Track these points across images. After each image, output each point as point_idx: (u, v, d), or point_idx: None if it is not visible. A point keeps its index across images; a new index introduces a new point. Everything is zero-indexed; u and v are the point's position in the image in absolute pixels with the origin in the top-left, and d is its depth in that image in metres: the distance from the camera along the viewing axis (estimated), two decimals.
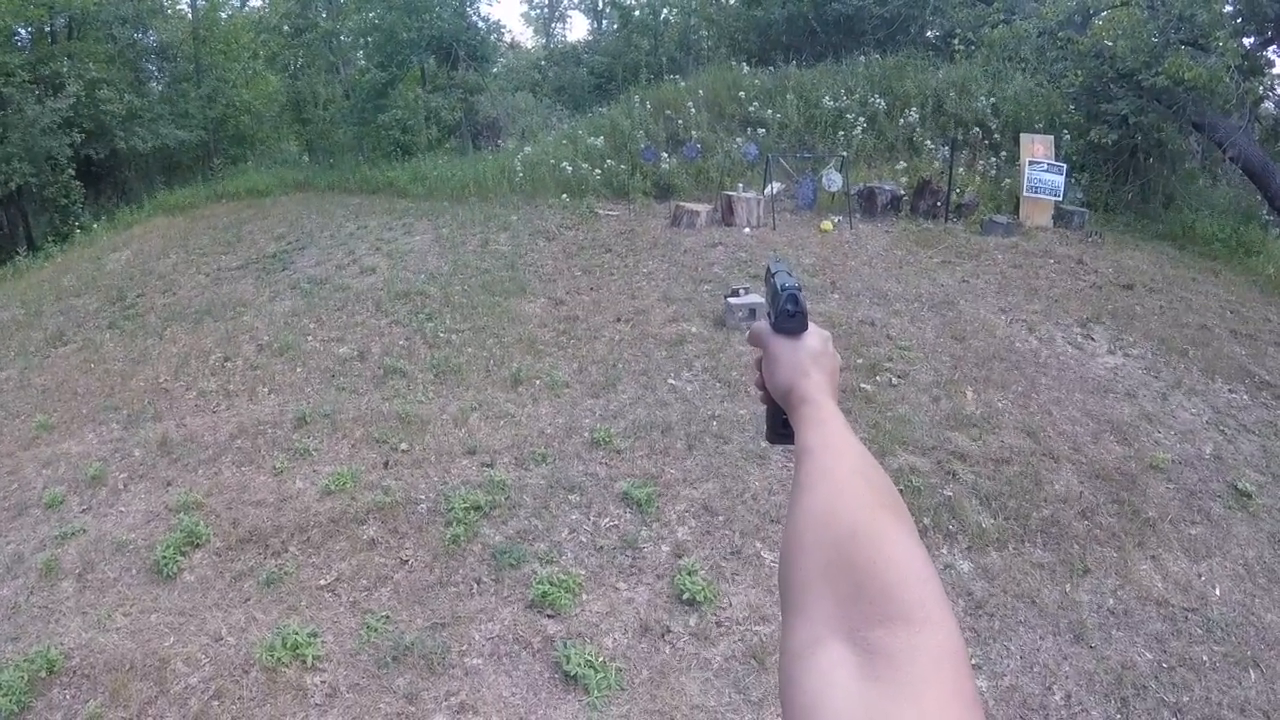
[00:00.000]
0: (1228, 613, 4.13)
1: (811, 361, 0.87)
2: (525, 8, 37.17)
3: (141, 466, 5.44)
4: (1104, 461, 5.25)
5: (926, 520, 4.46)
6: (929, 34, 19.06)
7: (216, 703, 3.31)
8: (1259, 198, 13.03)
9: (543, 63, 27.08)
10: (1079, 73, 12.49)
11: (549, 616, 3.73)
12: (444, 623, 3.65)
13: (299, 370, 6.66)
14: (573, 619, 3.75)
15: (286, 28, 22.38)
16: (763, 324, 0.93)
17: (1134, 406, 6.11)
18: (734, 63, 16.98)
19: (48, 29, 18.14)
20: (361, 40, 21.22)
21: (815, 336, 0.90)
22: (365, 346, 7.01)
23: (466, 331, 7.16)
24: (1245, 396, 6.63)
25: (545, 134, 16.07)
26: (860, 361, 6.24)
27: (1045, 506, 4.70)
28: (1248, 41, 13.33)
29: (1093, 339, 7.38)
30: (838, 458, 0.71)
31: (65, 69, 16.38)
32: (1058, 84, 13.42)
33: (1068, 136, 12.62)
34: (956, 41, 16.56)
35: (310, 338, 7.41)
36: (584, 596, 3.86)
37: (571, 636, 3.65)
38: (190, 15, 21.49)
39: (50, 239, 15.33)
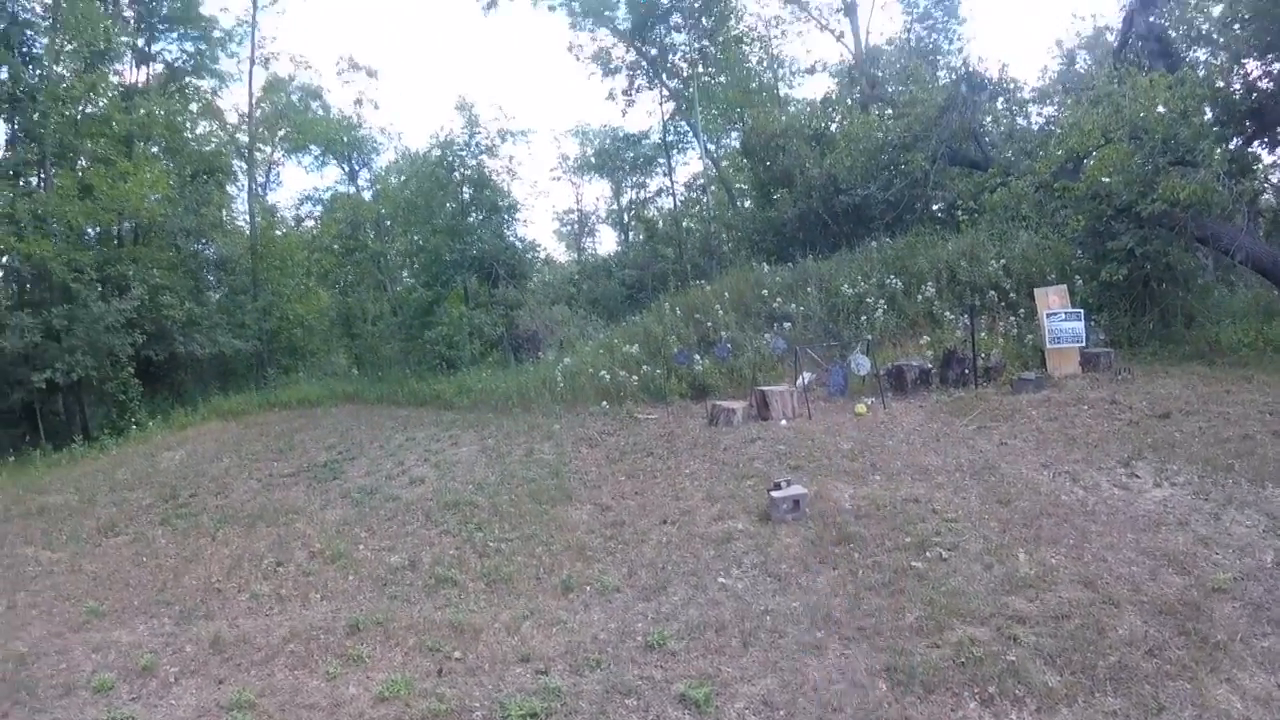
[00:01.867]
0: None
1: None
2: (557, 225, 39.84)
3: (193, 662, 5.48)
4: (1165, 596, 5.11)
5: (991, 689, 4.30)
6: (934, 207, 20.03)
7: None
8: (1276, 292, 13.05)
9: (576, 276, 28.71)
10: (1080, 217, 12.95)
11: None
12: None
13: (351, 578, 6.76)
14: None
15: (337, 247, 24.14)
16: None
17: (1187, 534, 6.01)
18: (754, 263, 18.02)
19: (115, 231, 19.66)
20: (408, 260, 22.77)
21: None
22: (416, 555, 7.13)
23: (515, 540, 7.28)
24: None
25: (583, 344, 16.84)
26: (908, 540, 6.21)
27: (1111, 653, 4.54)
28: (1232, 145, 13.87)
29: (1137, 476, 7.32)
30: None
31: (131, 272, 17.75)
32: (1062, 232, 13.91)
33: (1080, 281, 12.97)
34: (959, 212, 17.52)
35: (362, 546, 7.56)
36: None
37: None
38: (248, 231, 23.33)
39: (106, 431, 15.97)
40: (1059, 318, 11.61)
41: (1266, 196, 16.46)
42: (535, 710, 4.33)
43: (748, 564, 6.24)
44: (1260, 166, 15.81)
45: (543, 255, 26.94)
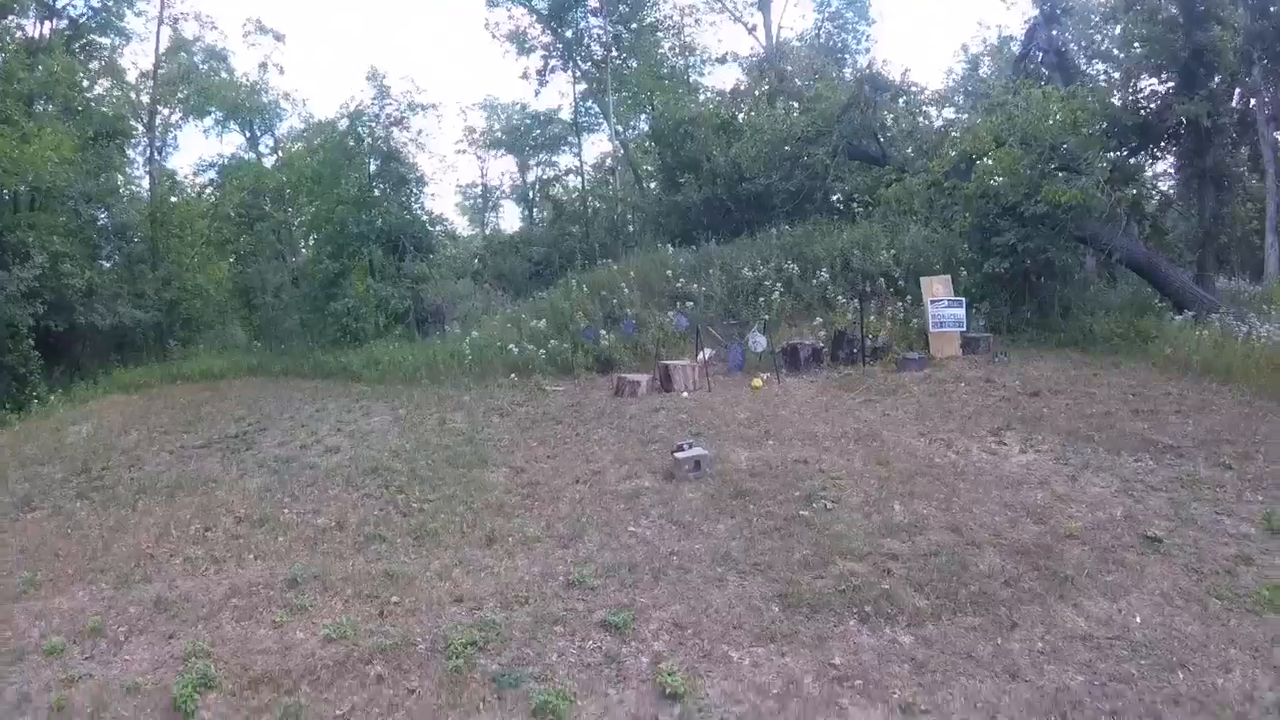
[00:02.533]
0: (1150, 633, 4.83)
1: None
2: (460, 198, 39.62)
3: (139, 621, 5.71)
4: (1022, 540, 6.05)
5: (868, 609, 5.17)
6: (834, 198, 21.19)
7: None
8: (1151, 289, 14.60)
9: (482, 251, 28.82)
10: (968, 214, 14.24)
11: None
12: None
13: (280, 539, 7.10)
14: None
15: (234, 214, 23.55)
16: None
17: (1046, 491, 7.01)
18: (660, 244, 18.82)
19: (8, 196, 18.68)
20: (312, 231, 22.49)
21: None
22: (342, 517, 7.51)
23: (437, 500, 7.75)
24: (1150, 462, 7.63)
25: (490, 318, 17.19)
26: (797, 494, 7.07)
27: (972, 583, 5.45)
28: (1116, 156, 15.40)
29: (1005, 444, 8.38)
30: None
31: (30, 239, 17.00)
32: (950, 227, 15.23)
33: (965, 273, 14.24)
34: (855, 204, 18.70)
35: (286, 511, 7.86)
36: (579, 703, 4.38)
37: None
38: (148, 197, 22.52)
39: (7, 406, 15.34)
40: (943, 304, 12.74)
41: (1152, 202, 18.15)
42: (474, 639, 4.93)
43: (655, 515, 6.95)
44: (1142, 177, 17.47)
45: (449, 229, 26.95)
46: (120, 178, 22.91)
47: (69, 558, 7.13)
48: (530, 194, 35.46)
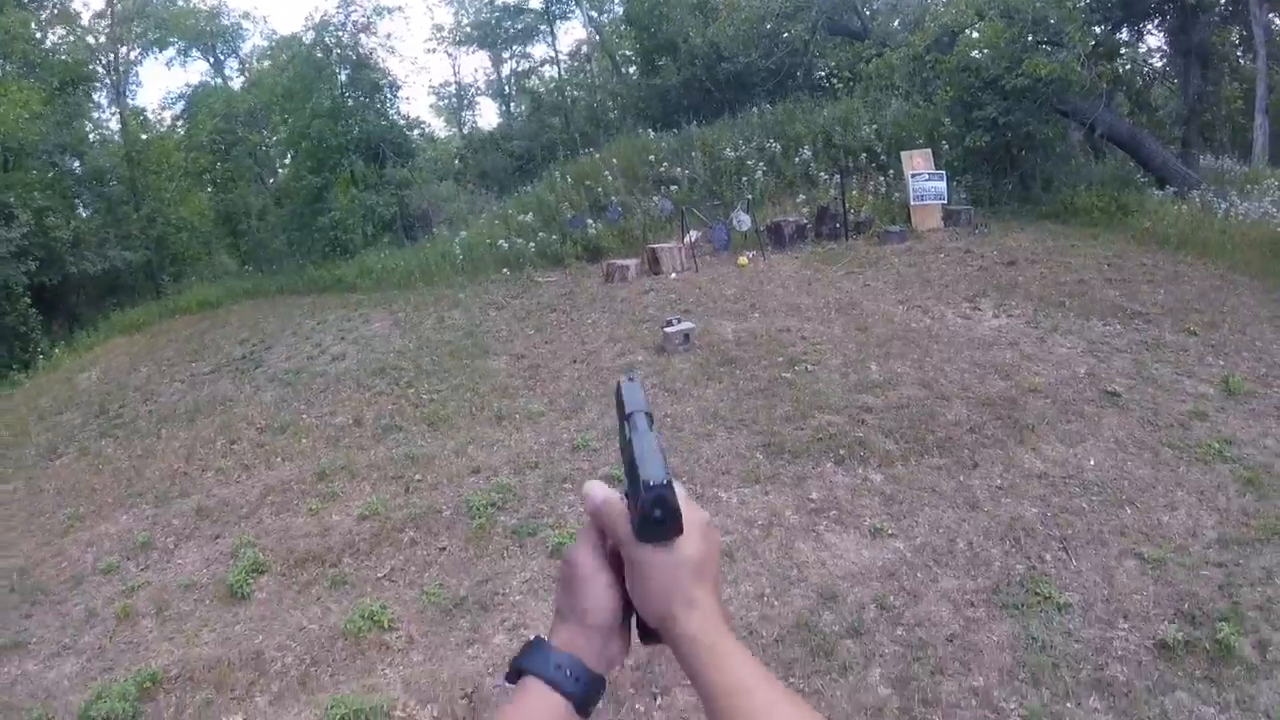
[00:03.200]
0: (1102, 474, 5.32)
1: (694, 578, 0.68)
2: (434, 99, 38.73)
3: (185, 530, 6.24)
4: (988, 394, 6.51)
5: (843, 453, 5.66)
6: (816, 74, 20.87)
7: (314, 668, 4.24)
8: (1132, 163, 14.63)
9: (462, 151, 28.48)
10: (949, 88, 14.01)
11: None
12: (487, 579, 4.68)
13: (304, 441, 7.57)
14: None
15: (206, 142, 23.25)
16: (618, 520, 0.71)
17: (1015, 352, 7.41)
18: (641, 130, 18.62)
19: None
20: (289, 149, 22.26)
21: (693, 533, 0.69)
22: (359, 415, 7.96)
23: (445, 390, 8.18)
24: (1118, 326, 8.00)
25: (477, 217, 17.23)
26: (780, 360, 7.47)
27: (939, 430, 5.93)
28: (1099, 29, 15.20)
29: (979, 310, 8.72)
30: None
31: (12, 199, 16.94)
32: (931, 101, 15.05)
33: (947, 146, 14.16)
34: (836, 80, 18.42)
35: (304, 416, 8.31)
36: None
37: None
38: (121, 140, 22.26)
39: (13, 367, 15.62)
40: (923, 178, 12.72)
41: (1136, 78, 17.87)
42: (493, 501, 5.43)
43: (649, 384, 7.31)
44: (1127, 52, 17.12)
45: (427, 132, 26.61)
46: (89, 124, 22.54)
47: (105, 490, 7.52)
48: (506, 89, 34.54)
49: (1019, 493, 5.20)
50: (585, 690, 0.69)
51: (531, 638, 0.73)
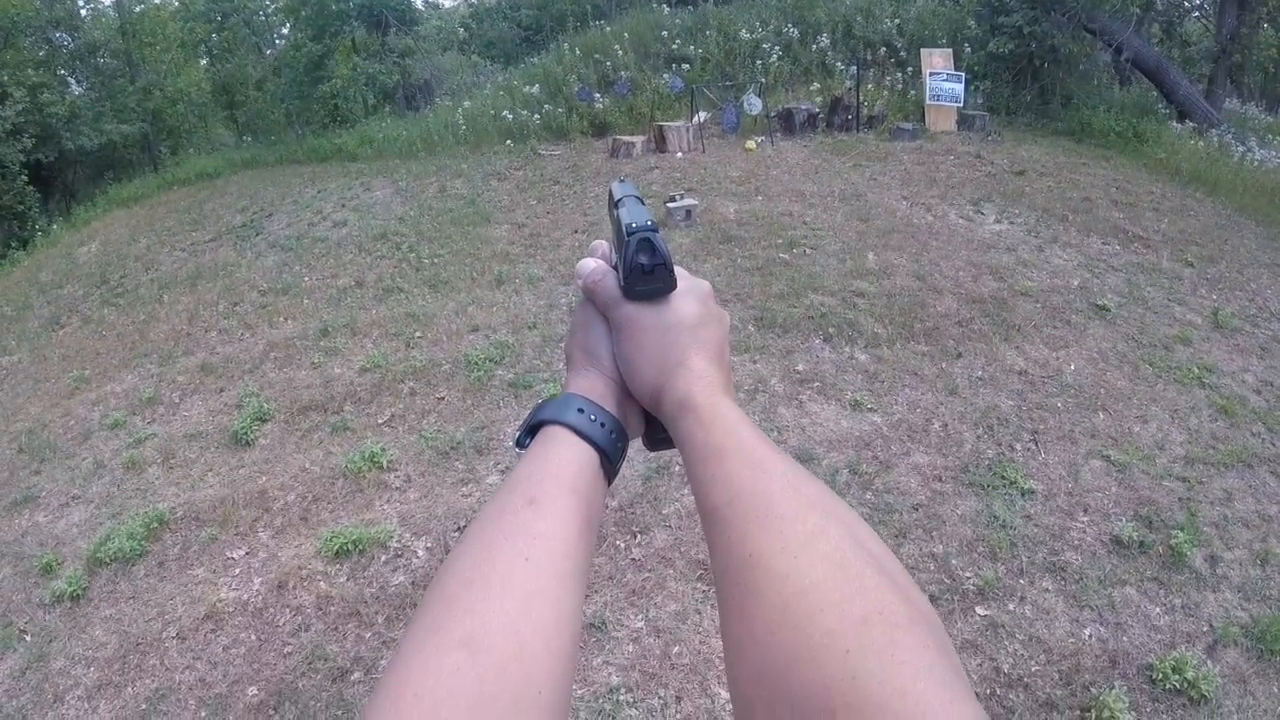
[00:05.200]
0: (1080, 379, 5.47)
1: (689, 339, 0.62)
2: None
3: (189, 385, 6.39)
4: (980, 292, 6.59)
5: (832, 331, 5.79)
6: None
7: (315, 505, 4.46)
8: (1156, 93, 14.39)
9: (469, 21, 27.59)
10: None
11: None
12: (483, 425, 4.89)
13: (306, 302, 7.66)
14: None
15: (202, 10, 22.53)
16: (606, 281, 0.66)
17: (1012, 256, 7.46)
18: (655, 4, 17.98)
19: None
20: (290, 16, 21.62)
21: (689, 296, 0.64)
22: (360, 277, 8.03)
23: (446, 255, 8.23)
24: (1117, 247, 8.00)
25: (481, 88, 16.88)
26: (779, 241, 7.51)
27: (928, 320, 6.05)
28: None
29: (982, 213, 8.70)
30: (766, 520, 0.46)
31: (5, 78, 16.72)
32: (958, 2, 14.61)
33: (969, 50, 13.81)
34: None
35: (306, 279, 8.38)
36: None
37: None
38: (115, 13, 21.63)
39: (12, 245, 15.62)
40: (941, 78, 12.41)
41: (1170, 8, 17.13)
42: (491, 356, 5.60)
43: None
44: None
45: (431, 0, 25.70)
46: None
47: (110, 353, 7.59)
48: None
49: (997, 385, 5.33)
50: (612, 440, 0.61)
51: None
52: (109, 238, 12.98)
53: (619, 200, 0.69)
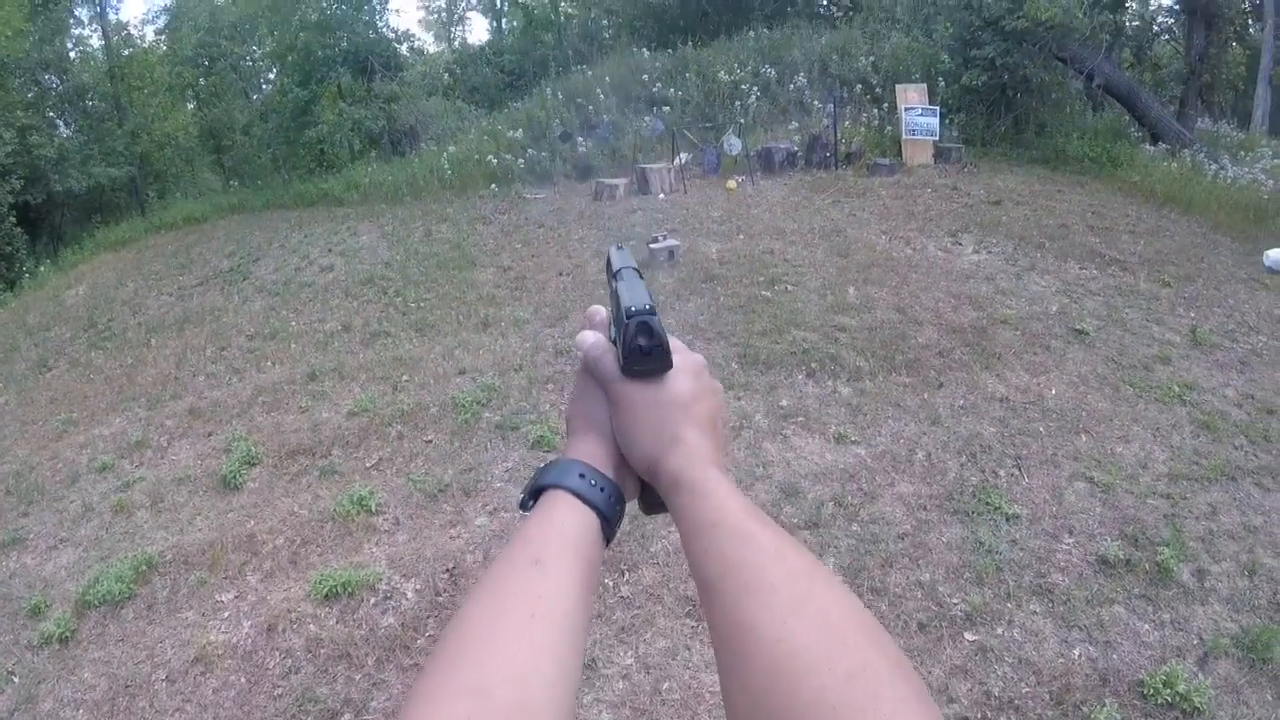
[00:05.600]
0: (1062, 403, 5.56)
1: (682, 415, 0.65)
2: (423, 13, 37.89)
3: (178, 430, 6.38)
4: (960, 322, 6.72)
5: (815, 366, 5.89)
6: (818, 2, 20.53)
7: (304, 548, 4.47)
8: (1128, 117, 14.70)
9: (454, 66, 28.01)
10: (949, 25, 13.97)
11: (546, 450, 5.04)
12: (470, 468, 4.92)
13: (293, 346, 7.70)
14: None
15: (190, 55, 22.74)
16: (605, 359, 0.69)
17: (991, 286, 7.61)
18: (635, 49, 18.37)
19: None
20: (277, 62, 21.90)
21: (684, 373, 0.67)
22: (348, 321, 8.09)
23: (432, 299, 8.32)
24: (1094, 271, 8.17)
25: (466, 133, 17.12)
26: (761, 279, 7.64)
27: (910, 352, 6.15)
28: None
29: (960, 244, 8.88)
30: (757, 591, 0.49)
31: None
32: (931, 37, 14.97)
33: (943, 83, 14.14)
34: (835, 9, 18.11)
35: (293, 323, 8.42)
36: None
37: None
38: (103, 55, 21.84)
39: None
40: (916, 112, 12.71)
41: (1139, 32, 17.62)
42: (478, 399, 5.64)
43: None
44: (1131, 5, 16.82)
45: (417, 45, 26.10)
46: (71, 41, 22.09)
47: (98, 397, 7.55)
48: (498, 3, 33.81)
49: (979, 413, 5.42)
50: (611, 503, 0.64)
51: (547, 461, 0.68)
52: (96, 281, 12.98)
53: (618, 271, 0.72)
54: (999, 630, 3.66)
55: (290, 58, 19.54)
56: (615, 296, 0.70)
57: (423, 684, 0.47)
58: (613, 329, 0.70)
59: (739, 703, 0.46)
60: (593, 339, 0.70)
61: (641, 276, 0.71)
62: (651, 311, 0.64)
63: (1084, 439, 5.19)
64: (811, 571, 0.51)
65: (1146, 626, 3.71)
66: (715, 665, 0.51)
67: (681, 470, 0.61)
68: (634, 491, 0.69)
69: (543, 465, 0.66)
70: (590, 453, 0.66)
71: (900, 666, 0.45)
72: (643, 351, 0.64)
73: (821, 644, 0.45)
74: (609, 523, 0.63)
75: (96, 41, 22.83)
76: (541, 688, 0.48)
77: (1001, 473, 4.83)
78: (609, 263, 0.76)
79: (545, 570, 0.55)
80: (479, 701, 0.45)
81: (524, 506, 0.64)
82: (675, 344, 0.67)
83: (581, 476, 0.63)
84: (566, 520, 0.60)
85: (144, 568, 4.53)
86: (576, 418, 0.70)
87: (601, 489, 0.63)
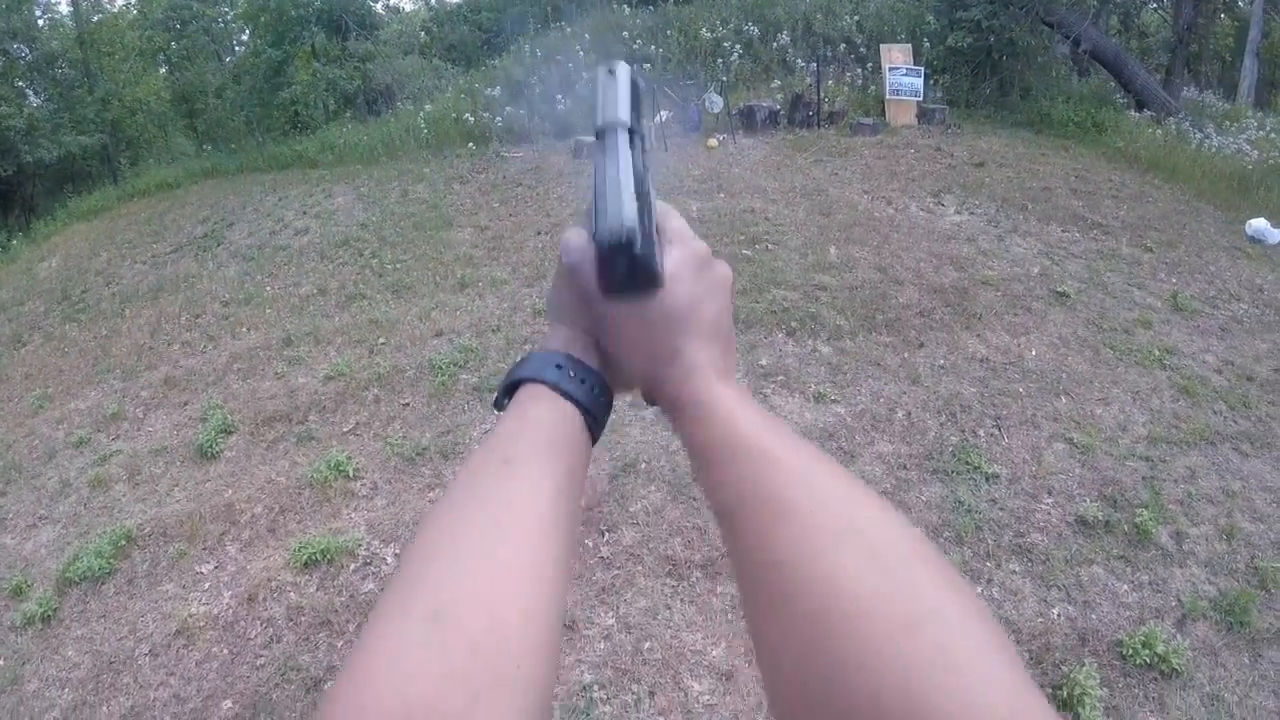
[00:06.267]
0: (1042, 364, 5.58)
1: (680, 327, 0.54)
2: None
3: (153, 400, 6.32)
4: (941, 283, 6.70)
5: (794, 324, 5.86)
6: None
7: (283, 516, 4.43)
8: (1114, 83, 14.67)
9: (431, 24, 27.47)
10: None
11: None
12: (448, 430, 4.89)
13: (269, 311, 7.59)
14: None
15: (160, 18, 22.20)
16: (583, 270, 0.55)
17: (973, 247, 7.58)
18: (615, 5, 18.05)
19: None
20: (250, 23, 21.40)
21: (682, 278, 0.55)
22: (323, 284, 7.97)
23: (409, 260, 8.20)
24: (1077, 234, 8.16)
25: (443, 92, 16.83)
26: (742, 237, 7.58)
27: (890, 311, 6.14)
28: None
29: (943, 205, 8.83)
30: (786, 520, 0.43)
31: None
32: None
33: (928, 44, 14.00)
34: None
35: (268, 288, 8.30)
36: None
37: None
38: (72, 22, 21.27)
39: None
40: (900, 72, 12.53)
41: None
42: (455, 360, 5.59)
43: None
44: None
45: (391, 4, 25.58)
46: (38, 9, 21.40)
47: (73, 370, 7.45)
48: None
49: (960, 373, 5.42)
50: (594, 396, 0.57)
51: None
52: (70, 252, 12.74)
53: (600, 130, 0.55)
54: (978, 589, 3.69)
55: (263, 18, 19.13)
56: (595, 187, 0.54)
57: (375, 613, 0.42)
58: (592, 220, 0.54)
59: (779, 653, 0.40)
60: (576, 241, 0.57)
61: (640, 140, 0.56)
62: (631, 233, 0.49)
63: (1064, 400, 5.21)
64: (850, 494, 0.44)
65: (1125, 587, 3.75)
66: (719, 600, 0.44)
67: (681, 389, 0.54)
68: (627, 383, 0.61)
69: (519, 359, 0.58)
70: (570, 341, 0.59)
71: (973, 609, 0.38)
72: (621, 277, 0.52)
73: (873, 582, 0.38)
74: (593, 418, 0.56)
75: (65, 8, 22.22)
76: (514, 607, 0.42)
77: (981, 433, 4.84)
78: (595, 111, 0.56)
79: (515, 471, 0.49)
80: (438, 627, 0.39)
81: (498, 406, 0.57)
82: (676, 227, 0.57)
83: (559, 368, 0.56)
84: (542, 416, 0.53)
85: (123, 542, 4.51)
86: (557, 305, 0.62)
87: (582, 380, 0.56)
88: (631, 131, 0.55)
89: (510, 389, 0.56)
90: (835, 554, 0.40)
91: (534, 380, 0.55)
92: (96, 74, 20.32)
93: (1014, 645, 0.37)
